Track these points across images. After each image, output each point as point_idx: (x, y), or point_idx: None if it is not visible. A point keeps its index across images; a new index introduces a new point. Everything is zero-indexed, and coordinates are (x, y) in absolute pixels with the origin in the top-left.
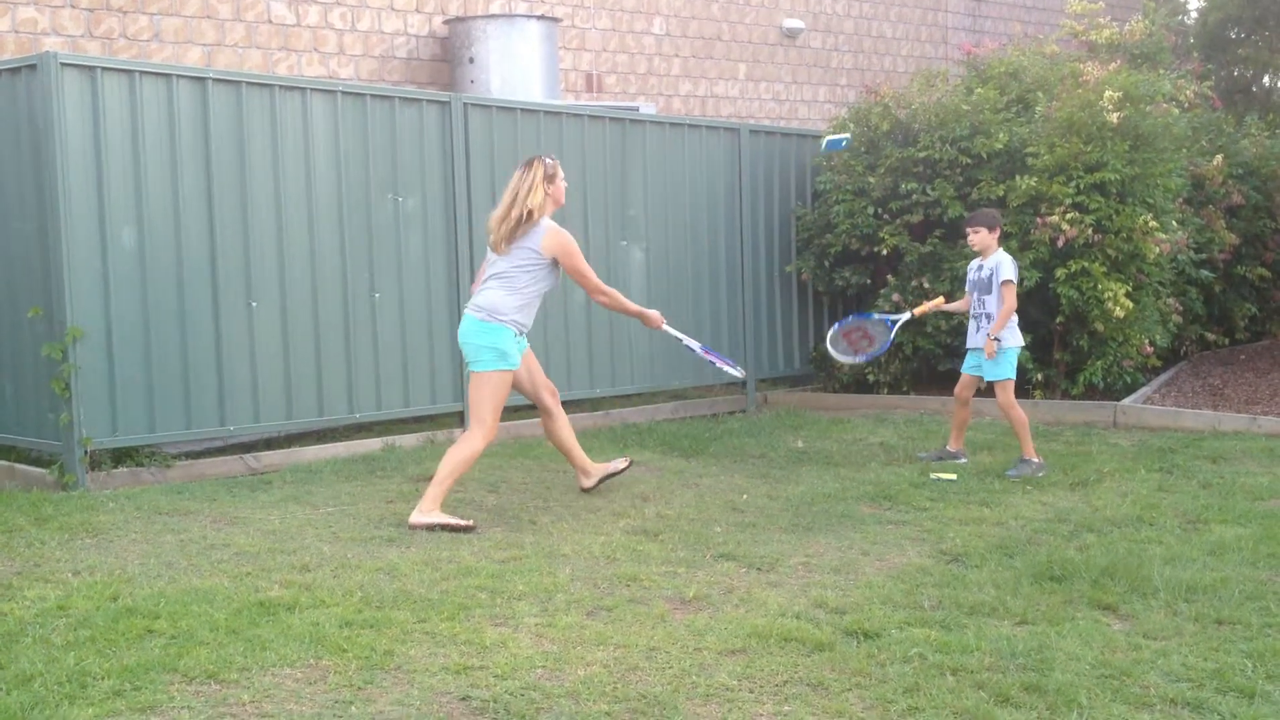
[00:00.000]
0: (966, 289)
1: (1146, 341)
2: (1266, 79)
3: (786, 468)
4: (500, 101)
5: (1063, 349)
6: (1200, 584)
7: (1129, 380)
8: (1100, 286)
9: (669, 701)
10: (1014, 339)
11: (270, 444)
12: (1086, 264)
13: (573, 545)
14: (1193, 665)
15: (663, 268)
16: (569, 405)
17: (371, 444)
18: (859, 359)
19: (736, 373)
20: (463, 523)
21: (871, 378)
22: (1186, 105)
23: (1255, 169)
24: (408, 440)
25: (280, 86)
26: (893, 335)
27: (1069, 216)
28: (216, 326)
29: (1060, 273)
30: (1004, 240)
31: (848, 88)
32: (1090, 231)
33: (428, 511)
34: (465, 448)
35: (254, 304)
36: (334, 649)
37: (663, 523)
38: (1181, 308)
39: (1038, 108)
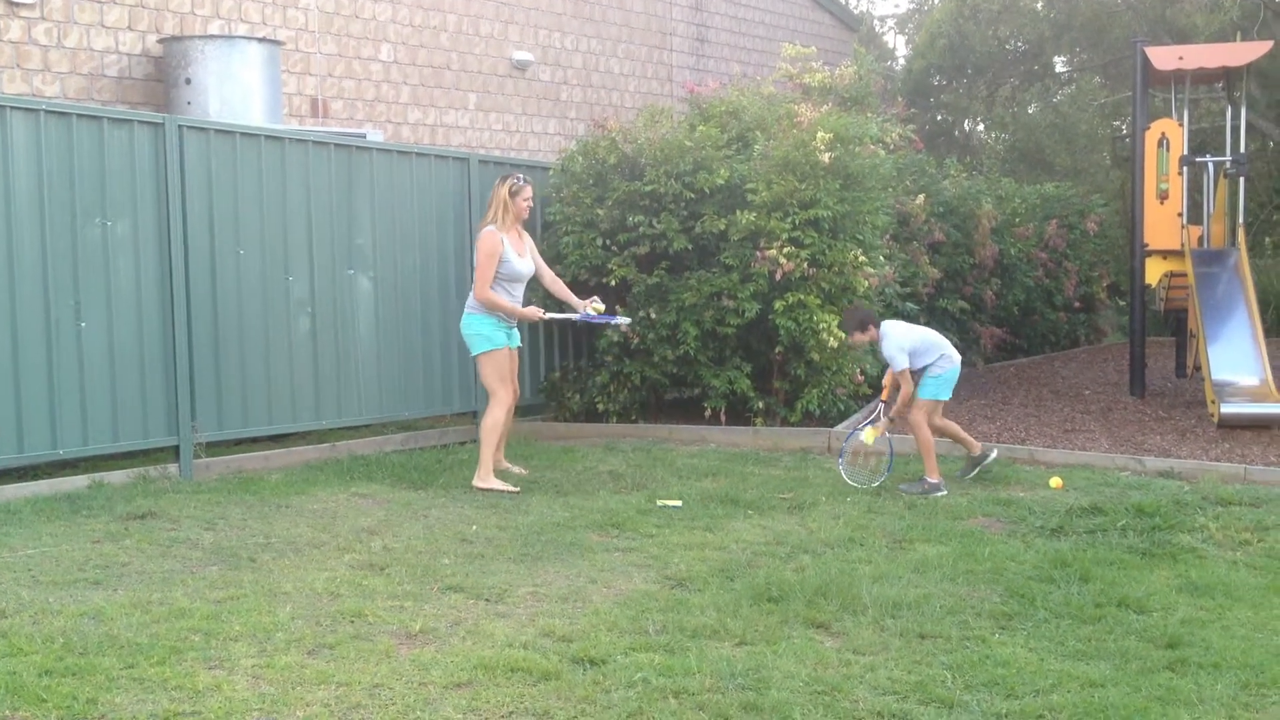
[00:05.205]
0: None
1: (858, 370)
2: (966, 124)
3: (516, 497)
4: (218, 124)
5: (782, 378)
6: (905, 600)
7: (842, 408)
8: (816, 318)
9: None
10: (937, 366)
11: None
12: (803, 296)
13: (294, 582)
14: (898, 679)
15: (391, 297)
16: (294, 438)
17: (78, 481)
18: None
19: (622, 322)
20: (511, 489)
21: (601, 407)
22: (892, 147)
23: (955, 208)
24: (117, 477)
25: None
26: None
27: (786, 251)
28: None
29: (779, 305)
30: (727, 273)
31: (577, 120)
32: (806, 265)
33: (484, 479)
34: (487, 418)
35: None
36: (32, 699)
37: (389, 556)
38: None
39: (756, 146)
